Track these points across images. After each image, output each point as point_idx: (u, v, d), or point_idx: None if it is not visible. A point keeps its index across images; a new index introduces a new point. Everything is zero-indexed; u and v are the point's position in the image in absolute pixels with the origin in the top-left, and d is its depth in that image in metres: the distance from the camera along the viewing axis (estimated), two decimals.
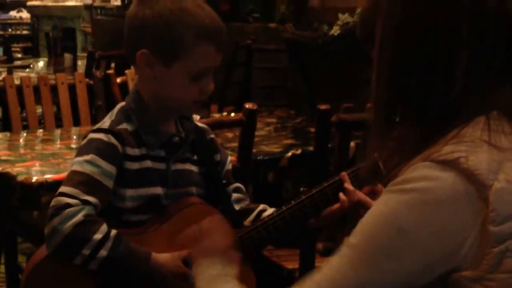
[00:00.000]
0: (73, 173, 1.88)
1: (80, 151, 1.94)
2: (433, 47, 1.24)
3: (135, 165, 1.95)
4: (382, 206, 1.21)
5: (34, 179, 2.66)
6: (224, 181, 2.14)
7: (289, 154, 3.21)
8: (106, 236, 1.82)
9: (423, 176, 1.17)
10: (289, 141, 3.47)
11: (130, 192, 1.93)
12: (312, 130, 3.30)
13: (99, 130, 1.96)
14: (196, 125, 2.12)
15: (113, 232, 1.85)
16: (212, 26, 1.95)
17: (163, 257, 1.91)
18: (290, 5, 4.80)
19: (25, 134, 3.66)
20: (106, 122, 1.98)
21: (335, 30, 3.81)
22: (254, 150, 2.95)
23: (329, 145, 2.92)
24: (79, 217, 1.80)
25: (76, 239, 1.81)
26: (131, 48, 1.96)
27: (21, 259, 3.41)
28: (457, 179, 1.15)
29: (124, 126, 1.96)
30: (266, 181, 3.12)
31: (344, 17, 3.80)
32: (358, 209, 1.92)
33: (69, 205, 1.81)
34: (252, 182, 2.86)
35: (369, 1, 1.41)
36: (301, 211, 1.98)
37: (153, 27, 1.93)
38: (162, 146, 2.01)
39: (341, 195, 1.90)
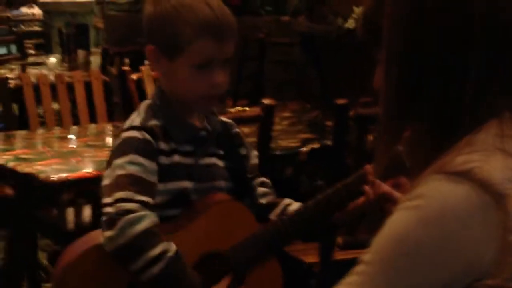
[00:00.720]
0: (119, 177, 1.89)
1: (117, 152, 1.95)
2: (444, 50, 1.21)
3: (166, 160, 1.96)
4: (397, 223, 1.18)
5: (56, 177, 2.65)
6: (249, 175, 2.16)
7: (308, 148, 3.21)
8: (162, 254, 1.85)
9: (437, 190, 1.15)
10: (306, 135, 3.48)
11: (160, 187, 1.94)
12: (329, 123, 3.33)
13: (132, 128, 1.97)
14: (222, 120, 2.13)
15: (171, 252, 1.86)
16: (210, 19, 1.96)
17: None
18: None
19: (42, 132, 3.69)
20: (135, 120, 1.99)
21: (350, 23, 3.85)
22: (271, 145, 2.97)
23: (346, 139, 2.96)
24: (143, 225, 1.84)
25: (134, 250, 1.85)
26: (144, 44, 2.02)
27: (40, 255, 3.43)
28: (471, 191, 1.13)
29: (153, 122, 1.97)
30: (284, 176, 3.11)
31: (359, 10, 3.76)
32: (383, 203, 1.92)
33: (130, 211, 1.84)
34: (270, 177, 2.90)
35: (372, 0, 1.37)
36: (327, 206, 2.00)
37: (157, 24, 1.98)
38: (189, 141, 2.02)
39: (366, 188, 1.93)
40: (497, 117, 1.19)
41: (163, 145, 1.97)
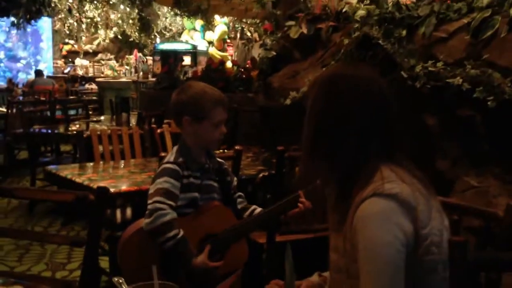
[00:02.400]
0: (158, 189, 1.97)
1: (159, 175, 2.02)
2: (339, 129, 1.29)
3: (185, 181, 2.04)
4: (372, 237, 1.19)
5: (112, 190, 2.67)
6: (232, 192, 2.22)
7: (262, 175, 3.14)
8: (175, 236, 1.92)
9: (379, 205, 1.19)
10: (260, 168, 3.47)
11: (181, 196, 2.02)
12: (274, 161, 3.23)
13: (168, 162, 2.05)
14: (218, 160, 2.21)
15: (180, 234, 1.92)
16: (220, 97, 2.09)
17: (199, 258, 1.97)
18: (261, 83, 4.66)
19: (102, 164, 3.69)
20: (170, 158, 2.07)
21: (288, 101, 3.81)
22: (240, 173, 2.95)
23: (284, 170, 2.91)
24: (167, 218, 1.92)
25: (160, 231, 1.92)
26: (178, 116, 2.09)
27: None
28: (397, 204, 1.20)
29: (180, 159, 2.05)
30: (247, 192, 3.00)
31: (293, 93, 3.80)
32: (307, 213, 2.04)
33: (162, 208, 1.92)
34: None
35: (308, 89, 1.51)
36: (276, 211, 2.09)
37: (189, 103, 2.05)
38: (198, 170, 2.10)
39: (300, 204, 2.03)
40: (384, 164, 1.27)
41: (184, 173, 2.03)
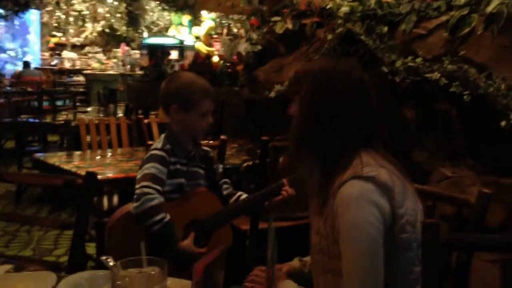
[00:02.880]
0: (146, 174, 1.97)
1: (146, 161, 2.02)
2: (328, 122, 1.34)
3: (172, 167, 2.05)
4: (353, 217, 1.23)
5: (100, 177, 2.67)
6: (218, 178, 2.23)
7: (246, 165, 3.25)
8: (162, 219, 1.93)
9: (358, 187, 1.24)
10: (245, 157, 3.48)
11: (168, 182, 2.02)
12: (258, 151, 3.26)
13: (155, 149, 2.06)
14: (203, 148, 2.22)
15: (167, 218, 1.92)
16: (208, 88, 2.10)
17: (183, 243, 1.98)
18: (246, 77, 4.68)
19: (90, 152, 3.68)
20: (157, 145, 2.09)
21: (272, 94, 3.82)
22: (225, 162, 2.96)
23: (268, 160, 2.98)
24: (154, 202, 1.91)
25: (148, 214, 1.92)
26: (166, 104, 2.09)
27: None
28: (376, 186, 1.24)
29: (167, 146, 2.06)
30: (232, 180, 2.82)
31: (278, 86, 3.81)
32: (290, 199, 2.07)
33: (149, 193, 1.91)
34: None
35: (293, 82, 1.45)
36: (261, 198, 2.13)
37: (177, 91, 2.06)
38: (185, 157, 2.11)
39: (283, 192, 2.07)
40: (364, 151, 1.32)
41: (171, 159, 2.04)
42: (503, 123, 2.34)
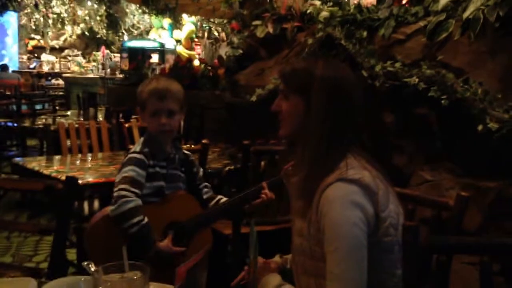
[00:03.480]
0: (124, 177, 1.96)
1: (125, 164, 2.01)
2: (336, 126, 1.34)
3: (151, 170, 2.03)
4: (337, 218, 1.24)
5: (81, 181, 2.67)
6: (198, 182, 2.21)
7: (227, 169, 3.23)
8: (139, 222, 1.91)
9: (343, 188, 1.26)
10: (226, 161, 3.46)
11: (147, 185, 2.01)
12: (239, 155, 3.26)
13: (134, 152, 2.05)
14: (184, 151, 2.21)
15: (145, 221, 1.91)
16: (156, 88, 2.05)
17: (161, 243, 1.96)
18: (228, 81, 4.71)
19: (70, 156, 3.63)
20: (137, 148, 2.07)
21: (253, 98, 3.82)
22: (206, 166, 2.95)
23: (249, 164, 2.94)
24: (131, 204, 1.91)
25: (126, 216, 1.91)
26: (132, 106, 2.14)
27: None
28: (360, 188, 1.26)
29: (146, 149, 2.05)
30: (213, 184, 2.94)
31: (259, 90, 3.81)
32: (270, 203, 2.07)
33: (127, 196, 1.91)
34: None
35: (289, 79, 1.40)
36: (240, 201, 2.11)
37: (137, 96, 2.10)
38: (164, 160, 2.09)
39: (262, 195, 2.07)
40: (351, 155, 1.34)
41: (150, 162, 2.03)
42: (480, 127, 2.38)
